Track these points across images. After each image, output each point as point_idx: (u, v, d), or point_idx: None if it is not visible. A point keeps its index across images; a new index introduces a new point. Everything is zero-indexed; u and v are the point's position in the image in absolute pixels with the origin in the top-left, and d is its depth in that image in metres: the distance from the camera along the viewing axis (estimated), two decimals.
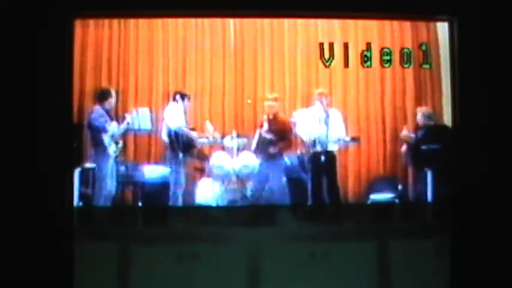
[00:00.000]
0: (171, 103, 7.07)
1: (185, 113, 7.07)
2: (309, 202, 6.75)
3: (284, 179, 7.04)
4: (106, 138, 6.73)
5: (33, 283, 4.87)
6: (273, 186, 6.93)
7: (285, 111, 7.54)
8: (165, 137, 6.95)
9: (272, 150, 6.99)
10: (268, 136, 7.03)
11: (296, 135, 7.09)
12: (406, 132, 7.14)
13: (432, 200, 6.44)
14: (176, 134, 6.94)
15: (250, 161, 7.07)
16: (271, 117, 7.10)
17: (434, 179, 6.52)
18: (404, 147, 7.10)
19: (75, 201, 5.90)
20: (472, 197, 5.15)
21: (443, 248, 5.23)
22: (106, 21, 7.48)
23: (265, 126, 7.07)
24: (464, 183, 5.20)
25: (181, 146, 6.90)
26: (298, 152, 7.11)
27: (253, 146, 7.05)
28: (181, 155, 6.90)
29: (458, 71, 5.45)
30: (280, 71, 7.82)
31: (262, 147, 7.02)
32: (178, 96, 7.11)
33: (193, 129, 7.10)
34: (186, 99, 7.09)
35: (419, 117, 7.02)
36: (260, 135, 7.06)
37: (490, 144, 5.23)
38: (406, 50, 6.50)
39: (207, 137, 7.17)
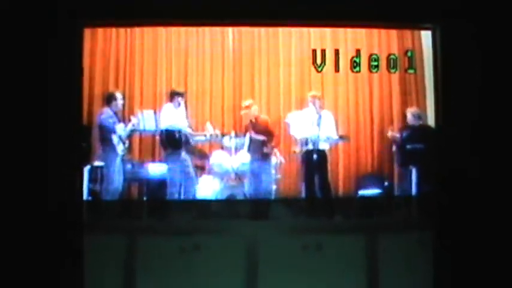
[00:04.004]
0: (169, 103, 7.06)
1: (185, 111, 7.04)
2: (302, 197, 6.79)
3: (276, 174, 7.07)
4: (114, 138, 6.72)
5: (45, 274, 4.86)
6: (267, 182, 6.96)
7: (268, 112, 7.62)
8: (163, 136, 6.93)
9: (265, 149, 7.03)
10: (259, 137, 7.07)
11: (288, 133, 7.12)
12: (392, 132, 7.16)
13: (416, 195, 6.47)
14: (172, 132, 6.92)
15: (248, 159, 7.07)
16: (253, 120, 7.17)
17: (418, 176, 6.53)
18: (391, 146, 7.11)
19: (85, 196, 5.90)
20: (454, 192, 5.16)
21: (426, 240, 5.22)
22: (113, 30, 7.51)
23: (252, 130, 7.13)
24: (446, 179, 5.21)
25: (177, 143, 6.86)
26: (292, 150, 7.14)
27: (245, 147, 7.08)
28: (183, 153, 6.90)
29: (441, 76, 5.45)
30: (275, 76, 7.84)
31: (254, 147, 7.05)
32: (172, 95, 7.10)
33: (190, 127, 7.08)
34: (182, 98, 7.06)
35: (409, 117, 7.03)
36: (250, 138, 7.11)
37: (471, 143, 5.24)
38: (392, 56, 6.49)
39: (205, 135, 7.16)
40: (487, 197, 5.11)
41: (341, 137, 7.19)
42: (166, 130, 6.92)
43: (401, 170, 6.99)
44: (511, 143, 5.21)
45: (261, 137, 7.06)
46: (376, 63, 6.48)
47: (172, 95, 7.11)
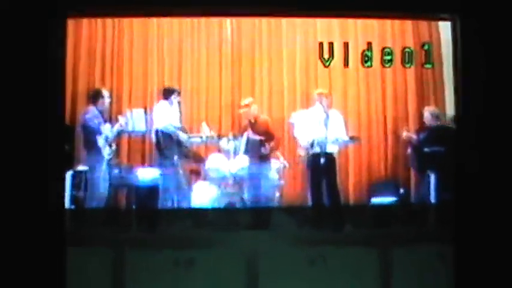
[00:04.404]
0: (161, 101, 7.04)
1: (179, 111, 7.03)
2: (308, 205, 6.76)
3: (279, 179, 7.06)
4: (100, 140, 6.69)
5: None
6: (269, 188, 6.95)
7: (270, 112, 7.61)
8: (153, 137, 6.91)
9: (263, 150, 7.02)
10: (257, 138, 7.06)
11: (293, 134, 7.11)
12: (408, 133, 7.13)
13: (435, 203, 6.43)
14: (163, 133, 6.90)
15: (247, 162, 7.05)
16: (252, 121, 7.17)
17: (437, 182, 6.50)
18: (406, 149, 7.09)
19: (67, 204, 5.87)
20: (477, 201, 5.12)
21: (446, 254, 5.19)
22: (100, 20, 7.50)
23: (250, 130, 7.13)
24: (468, 185, 5.18)
25: (169, 146, 6.85)
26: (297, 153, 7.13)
27: (242, 149, 7.07)
28: (176, 157, 6.87)
29: (462, 71, 5.42)
30: (278, 71, 7.82)
31: (251, 149, 7.04)
32: (167, 93, 7.07)
33: (183, 128, 7.06)
34: (176, 96, 7.04)
35: (426, 117, 7.00)
36: (248, 139, 7.09)
37: (494, 146, 5.20)
38: (407, 50, 6.48)
39: (201, 137, 7.15)
40: None
41: (351, 139, 7.16)
42: (158, 131, 6.89)
43: (418, 175, 6.98)
44: None
45: (258, 137, 7.06)
46: (389, 57, 6.46)
47: (165, 93, 7.10)
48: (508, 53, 5.26)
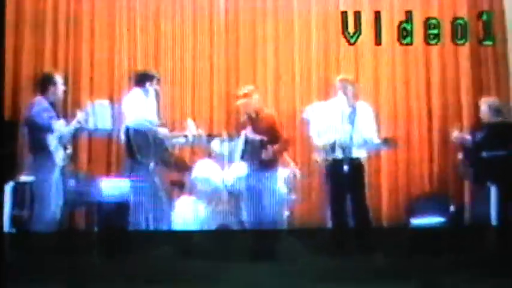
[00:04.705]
0: (134, 89, 7.04)
1: (157, 102, 7.04)
2: (327, 227, 6.75)
3: (289, 193, 7.07)
4: (52, 141, 6.67)
5: None
6: (274, 204, 6.94)
7: (276, 104, 7.71)
8: (122, 136, 6.91)
9: (265, 154, 7.01)
10: (258, 139, 7.06)
11: (307, 134, 7.11)
12: (459, 133, 7.12)
13: (497, 225, 6.42)
14: (136, 132, 6.90)
15: (246, 171, 7.05)
16: (253, 115, 7.12)
17: (499, 197, 6.47)
18: (458, 154, 7.08)
19: (6, 227, 5.90)
20: None
21: None
22: None
23: (250, 128, 7.10)
24: None
25: (143, 148, 6.85)
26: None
27: (239, 153, 7.08)
28: (152, 163, 6.87)
29: None
30: (287, 51, 7.84)
31: (253, 153, 7.04)
32: (140, 79, 7.07)
33: (162, 125, 7.07)
34: (153, 83, 7.04)
35: (484, 111, 6.97)
36: (247, 139, 7.09)
37: None
38: (460, 22, 6.52)
39: (185, 136, 7.15)
40: None
41: (384, 141, 7.13)
42: (129, 129, 6.85)
43: (474, 188, 7.03)
44: None
45: (260, 137, 7.07)
46: (435, 32, 6.48)
47: (139, 79, 7.06)
48: None
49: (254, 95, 7.17)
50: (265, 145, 6.93)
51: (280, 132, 7.09)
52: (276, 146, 6.95)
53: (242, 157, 7.01)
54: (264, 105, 7.36)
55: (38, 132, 6.60)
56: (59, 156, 6.67)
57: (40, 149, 6.60)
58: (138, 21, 7.81)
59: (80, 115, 6.82)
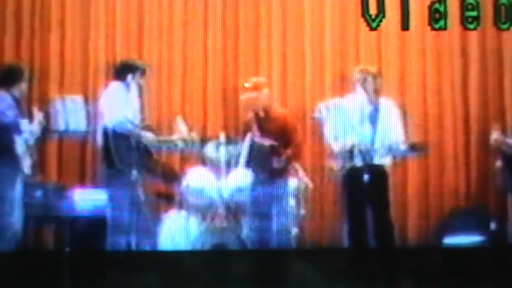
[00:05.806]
0: (113, 83, 7.05)
1: (140, 99, 7.05)
2: (343, 247, 6.78)
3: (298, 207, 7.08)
4: (18, 144, 6.70)
5: None
6: (282, 220, 6.96)
7: (283, 100, 7.70)
8: (100, 140, 6.92)
9: (276, 163, 7.02)
10: (267, 143, 7.06)
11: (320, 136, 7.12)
12: (500, 136, 7.14)
13: None
14: (115, 134, 6.90)
15: (248, 181, 7.09)
16: (261, 114, 7.10)
17: None
18: (499, 161, 7.12)
19: None
20: None
21: None
22: None
23: (256, 129, 7.09)
24: None
25: (124, 154, 6.85)
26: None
27: (243, 159, 7.08)
28: (135, 171, 6.89)
29: None
30: (296, 37, 7.89)
31: (260, 161, 7.05)
32: (121, 71, 7.08)
33: (148, 126, 7.09)
34: (136, 76, 7.05)
35: None
36: (253, 144, 7.09)
37: None
38: (503, 1, 6.54)
39: (175, 141, 7.16)
40: None
41: (412, 147, 7.16)
42: (108, 131, 6.87)
43: None
44: None
45: (270, 141, 7.07)
46: (474, 14, 6.52)
47: (119, 71, 7.08)
48: None
49: (264, 89, 7.14)
50: (276, 151, 6.93)
51: (294, 137, 7.08)
52: (288, 153, 6.95)
53: (247, 165, 7.01)
54: (274, 101, 7.34)
55: (2, 133, 6.63)
56: (24, 162, 6.68)
57: (2, 154, 6.64)
58: (118, 3, 7.84)
59: (39, 116, 6.80)
